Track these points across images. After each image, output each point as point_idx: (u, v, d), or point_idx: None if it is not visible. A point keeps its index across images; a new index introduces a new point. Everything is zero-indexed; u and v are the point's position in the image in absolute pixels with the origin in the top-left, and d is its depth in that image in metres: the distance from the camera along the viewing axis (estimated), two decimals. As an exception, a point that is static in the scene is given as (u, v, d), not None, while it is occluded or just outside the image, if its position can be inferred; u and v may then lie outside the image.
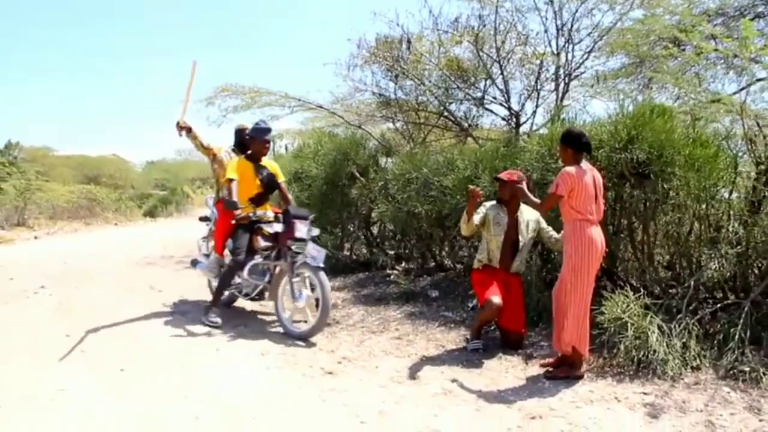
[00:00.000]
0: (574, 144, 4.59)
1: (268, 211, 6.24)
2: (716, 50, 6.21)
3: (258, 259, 6.07)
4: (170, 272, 9.47)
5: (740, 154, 5.48)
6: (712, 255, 5.09)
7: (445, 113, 9.92)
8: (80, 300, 6.91)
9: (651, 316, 4.70)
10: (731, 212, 5.32)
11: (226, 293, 6.42)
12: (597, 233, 4.53)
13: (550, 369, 4.68)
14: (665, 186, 5.35)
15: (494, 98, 9.67)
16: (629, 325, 4.66)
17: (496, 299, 5.09)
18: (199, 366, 4.70)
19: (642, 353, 4.55)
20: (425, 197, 7.20)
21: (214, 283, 6.57)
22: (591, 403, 4.10)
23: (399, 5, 9.94)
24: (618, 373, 4.54)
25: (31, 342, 5.22)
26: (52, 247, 12.90)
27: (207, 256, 6.74)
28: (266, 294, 6.19)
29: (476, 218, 5.33)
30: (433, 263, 8.27)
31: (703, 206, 5.38)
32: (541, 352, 5.21)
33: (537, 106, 9.40)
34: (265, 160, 6.34)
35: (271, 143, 6.75)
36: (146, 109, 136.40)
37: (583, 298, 4.48)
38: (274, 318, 6.10)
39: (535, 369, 4.83)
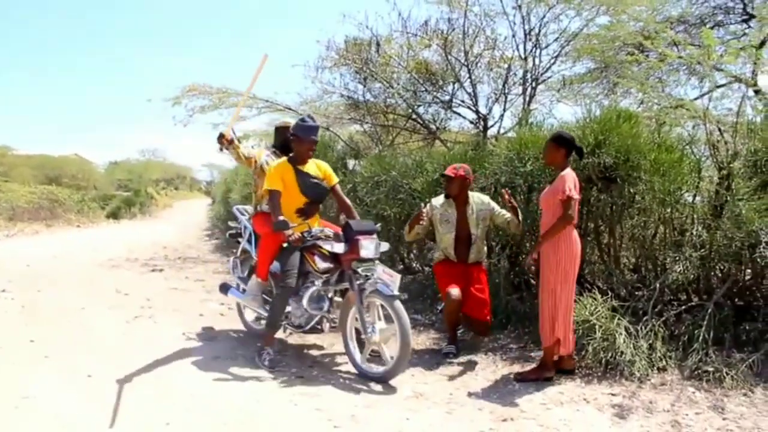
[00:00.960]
0: (569, 145, 4.58)
1: (326, 228, 5.10)
2: (680, 57, 6.34)
3: (317, 284, 5.06)
4: (135, 275, 9.33)
5: (703, 159, 5.61)
6: (677, 258, 5.18)
7: (414, 116, 9.95)
8: (44, 304, 6.77)
9: (618, 319, 4.78)
10: (695, 216, 5.44)
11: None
12: (577, 237, 4.58)
13: (518, 373, 4.70)
14: (631, 190, 5.45)
15: (462, 101, 9.74)
16: (597, 327, 4.73)
17: (454, 291, 5.13)
18: (171, 369, 4.64)
19: (610, 355, 4.62)
20: (394, 200, 7.21)
21: (250, 314, 5.89)
22: (561, 404, 4.15)
23: (368, 7, 9.97)
24: (586, 375, 4.60)
25: (-7, 347, 5.08)
26: (13, 249, 12.62)
27: (243, 279, 5.76)
28: (325, 326, 5.22)
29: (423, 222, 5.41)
30: (402, 266, 8.29)
31: (668, 210, 5.49)
32: (510, 354, 5.26)
33: (504, 110, 9.49)
34: (312, 162, 5.31)
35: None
36: (109, 108, 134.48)
37: (571, 301, 4.52)
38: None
39: (505, 371, 4.88)
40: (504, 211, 5.47)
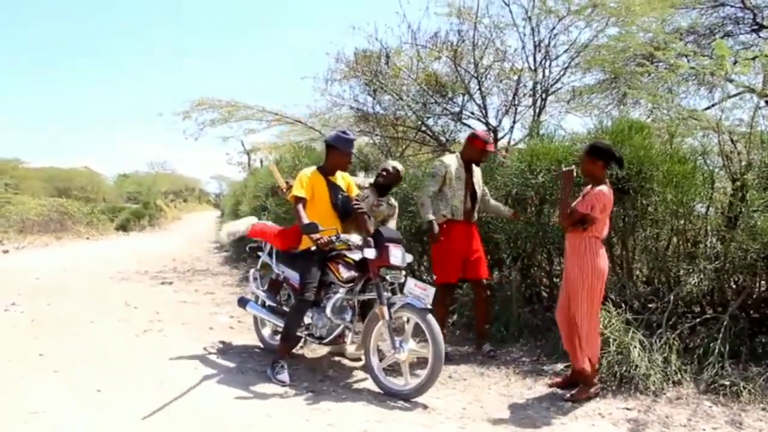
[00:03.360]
0: (605, 157, 4.41)
1: (353, 235, 5.03)
2: (693, 68, 6.29)
3: (341, 293, 4.92)
4: (145, 288, 9.31)
5: (716, 170, 5.57)
6: (691, 270, 5.13)
7: (423, 128, 9.93)
8: (54, 317, 6.74)
9: (633, 332, 4.73)
10: (708, 228, 5.39)
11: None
12: (604, 252, 4.50)
13: (570, 393, 4.49)
14: (644, 202, 5.42)
15: (472, 113, 9.71)
16: (611, 340, 4.69)
17: (448, 285, 5.59)
18: (180, 384, 4.59)
19: (624, 368, 4.57)
20: (405, 212, 7.18)
21: (266, 328, 5.81)
22: (576, 419, 4.10)
23: (378, 19, 9.95)
24: (600, 389, 4.53)
25: (2, 362, 5.03)
26: (23, 261, 12.63)
27: (264, 293, 5.60)
28: (347, 337, 5.08)
29: (437, 180, 5.57)
30: (411, 276, 8.23)
31: (681, 222, 5.45)
32: (523, 368, 5.21)
33: (514, 122, 9.46)
34: (338, 173, 5.22)
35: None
36: (118, 120, 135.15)
37: (596, 314, 4.43)
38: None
39: (518, 385, 4.83)
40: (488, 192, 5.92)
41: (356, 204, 5.12)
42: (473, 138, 5.72)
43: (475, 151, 5.64)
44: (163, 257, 13.90)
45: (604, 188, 4.37)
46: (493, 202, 5.91)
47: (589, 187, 4.47)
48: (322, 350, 5.67)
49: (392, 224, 5.80)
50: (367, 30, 9.57)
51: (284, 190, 5.61)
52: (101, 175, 41.51)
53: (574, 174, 4.50)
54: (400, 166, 5.91)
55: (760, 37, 9.51)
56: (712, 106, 8.95)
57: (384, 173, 5.81)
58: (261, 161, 18.59)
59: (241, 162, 22.20)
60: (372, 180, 6.00)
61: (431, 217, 5.47)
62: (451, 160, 5.69)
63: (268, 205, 10.06)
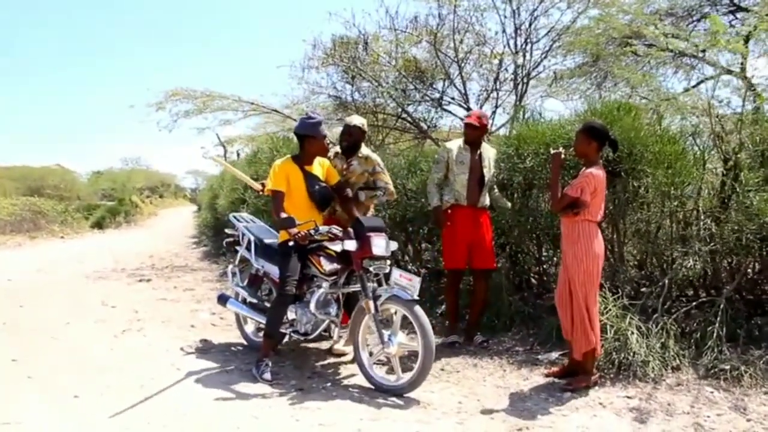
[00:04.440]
0: (601, 137, 4.27)
1: (333, 227, 4.68)
2: (689, 42, 6.15)
3: (324, 286, 4.74)
4: (123, 286, 9.03)
5: (707, 150, 5.45)
6: (686, 252, 5.01)
7: (403, 115, 9.76)
8: (27, 320, 6.45)
9: (630, 318, 4.60)
10: (701, 209, 5.27)
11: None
12: (600, 236, 4.35)
13: (566, 382, 4.35)
14: (635, 184, 5.29)
15: (452, 99, 9.60)
16: (608, 327, 4.56)
17: (457, 270, 5.51)
18: (162, 386, 4.38)
19: (623, 355, 4.45)
20: (388, 201, 7.00)
21: (249, 325, 5.56)
22: (576, 410, 3.96)
23: (355, 5, 9.78)
24: (599, 377, 4.39)
25: (-28, 368, 4.77)
26: (-5, 263, 12.26)
27: (244, 289, 5.35)
28: (333, 332, 4.96)
29: (440, 166, 5.49)
30: (396, 267, 8.06)
31: (674, 203, 5.32)
32: (517, 358, 5.06)
33: (496, 107, 9.34)
34: (315, 161, 4.96)
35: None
36: (91, 117, 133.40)
37: (595, 301, 4.29)
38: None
39: (513, 376, 4.68)
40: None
41: (341, 188, 4.99)
42: (466, 125, 5.59)
43: (464, 130, 5.57)
44: (140, 254, 13.58)
45: (595, 170, 4.22)
46: (494, 192, 5.74)
47: (583, 168, 4.32)
48: (308, 345, 5.46)
49: (384, 178, 5.43)
50: (345, 16, 9.39)
51: (261, 191, 5.30)
52: (74, 173, 40.91)
53: (563, 156, 4.36)
54: (360, 121, 5.49)
55: (737, 18, 9.45)
56: (692, 88, 8.92)
57: (347, 136, 5.39)
58: (237, 153, 18.33)
59: (218, 155, 21.92)
60: (337, 149, 5.56)
61: (436, 203, 5.42)
62: (454, 145, 5.55)
63: (247, 198, 9.82)
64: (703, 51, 9.58)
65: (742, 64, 8.55)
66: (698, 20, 9.68)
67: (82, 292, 8.35)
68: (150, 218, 33.06)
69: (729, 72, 8.75)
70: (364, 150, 5.49)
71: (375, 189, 5.39)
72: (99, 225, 26.07)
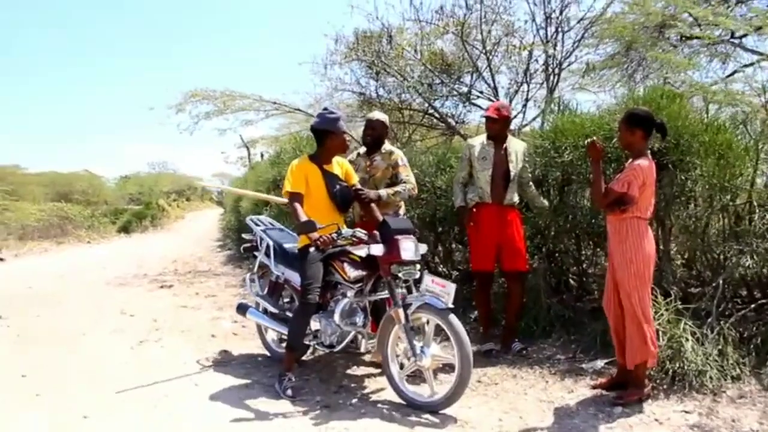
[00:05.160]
0: (646, 125, 3.88)
1: (358, 230, 4.35)
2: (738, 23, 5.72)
3: (349, 295, 4.37)
4: (144, 292, 8.78)
5: (763, 137, 5.02)
6: (742, 250, 4.58)
7: (430, 110, 9.40)
8: (42, 331, 6.20)
9: (684, 323, 4.20)
10: (754, 202, 4.83)
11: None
12: (651, 235, 3.97)
13: (616, 395, 3.98)
14: (683, 177, 4.88)
15: (481, 93, 9.20)
16: (660, 333, 4.16)
17: (484, 273, 5.15)
18: (179, 403, 4.09)
19: (678, 365, 4.05)
20: (417, 200, 6.66)
21: (271, 334, 5.22)
22: (630, 428, 3.57)
23: (378, -3, 9.38)
24: (651, 389, 4.00)
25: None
26: (18, 269, 12.09)
27: (264, 298, 5.01)
28: (360, 344, 4.50)
29: (464, 164, 5.25)
30: (426, 270, 7.72)
31: (727, 197, 4.90)
32: (560, 367, 4.68)
33: (527, 100, 8.90)
34: (334, 160, 4.63)
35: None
36: (118, 121, 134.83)
37: (647, 304, 3.87)
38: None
39: (557, 388, 4.30)
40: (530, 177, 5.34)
41: (360, 192, 4.60)
42: (485, 118, 5.27)
43: (485, 125, 5.24)
44: (163, 258, 13.38)
45: (643, 162, 3.83)
46: (531, 189, 5.32)
47: (630, 161, 3.93)
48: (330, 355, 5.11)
49: (405, 172, 5.15)
50: (367, 8, 9.05)
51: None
52: (102, 178, 41.15)
53: (601, 146, 3.95)
54: (383, 116, 5.31)
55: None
56: (729, 76, 8.49)
57: (369, 131, 5.19)
58: (261, 155, 18.09)
59: (241, 157, 21.75)
60: (361, 149, 5.38)
61: (459, 203, 5.18)
62: (476, 141, 5.26)
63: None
64: (741, 37, 9.20)
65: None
66: (736, 4, 9.21)
67: (102, 299, 8.10)
68: (177, 222, 33.08)
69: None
70: (387, 146, 5.26)
71: (396, 184, 5.08)
72: (125, 229, 26.08)
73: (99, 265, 12.29)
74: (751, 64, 8.59)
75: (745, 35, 8.64)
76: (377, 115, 5.33)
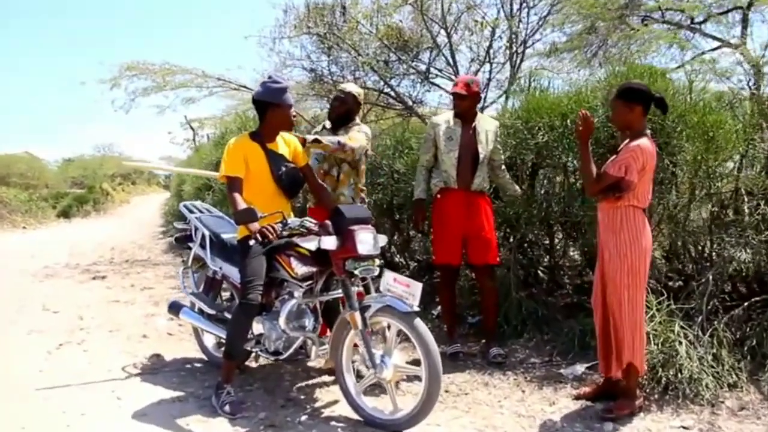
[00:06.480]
0: (644, 99, 3.40)
1: (306, 219, 3.72)
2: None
3: (297, 295, 3.72)
4: (72, 285, 7.99)
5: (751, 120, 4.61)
6: (737, 242, 4.14)
7: (386, 89, 8.82)
8: (-51, 331, 5.44)
9: (679, 325, 3.74)
10: (747, 189, 4.41)
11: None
12: (648, 226, 3.48)
13: (604, 407, 3.49)
14: (669, 161, 4.42)
15: (440, 71, 8.69)
16: (652, 336, 3.70)
17: (449, 266, 4.61)
18: (99, 423, 3.46)
19: (672, 372, 3.59)
20: (372, 185, 6.10)
21: (210, 338, 4.56)
22: (625, 450, 3.09)
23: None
24: (643, 400, 3.53)
25: None
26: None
27: (199, 296, 4.39)
28: (310, 350, 3.83)
29: (427, 145, 4.69)
30: (382, 260, 7.18)
31: (717, 183, 4.47)
32: (536, 373, 4.19)
33: (489, 79, 8.43)
34: (278, 137, 3.95)
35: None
36: (61, 103, 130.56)
37: (641, 305, 3.40)
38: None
39: (535, 399, 3.79)
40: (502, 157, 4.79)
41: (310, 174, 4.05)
42: (452, 95, 4.71)
43: (453, 102, 4.68)
44: (100, 246, 12.52)
45: (644, 142, 3.34)
46: (503, 174, 4.79)
47: (627, 141, 3.43)
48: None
49: (354, 132, 4.47)
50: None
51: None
52: (43, 160, 39.58)
53: (592, 121, 3.45)
54: (357, 89, 4.68)
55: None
56: (683, 65, 8.20)
57: (338, 104, 4.54)
58: (207, 137, 17.28)
59: (187, 139, 20.86)
60: (325, 124, 4.73)
61: (418, 194, 4.69)
62: (441, 119, 4.68)
63: (213, 184, 8.86)
64: (701, 23, 8.94)
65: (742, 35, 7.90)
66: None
67: (24, 293, 7.26)
68: (121, 206, 31.96)
69: (728, 45, 8.06)
70: (359, 124, 4.64)
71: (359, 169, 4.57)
72: (65, 214, 24.92)
73: (29, 254, 11.32)
74: (711, 51, 8.38)
75: (705, 20, 8.45)
76: (350, 87, 4.66)
